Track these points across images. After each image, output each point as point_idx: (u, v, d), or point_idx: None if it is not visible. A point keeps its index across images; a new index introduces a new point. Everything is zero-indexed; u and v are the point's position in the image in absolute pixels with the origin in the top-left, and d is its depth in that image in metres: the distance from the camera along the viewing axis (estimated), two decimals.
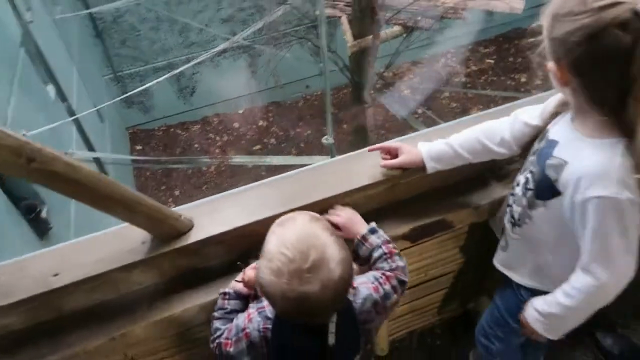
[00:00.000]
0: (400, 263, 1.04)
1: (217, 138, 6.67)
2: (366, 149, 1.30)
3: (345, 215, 1.13)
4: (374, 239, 1.07)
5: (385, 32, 3.95)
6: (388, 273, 1.02)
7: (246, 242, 1.14)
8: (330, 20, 4.98)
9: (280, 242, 0.80)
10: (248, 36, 4.89)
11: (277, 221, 0.87)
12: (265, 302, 0.96)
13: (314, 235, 0.80)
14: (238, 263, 1.08)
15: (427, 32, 4.28)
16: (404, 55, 4.68)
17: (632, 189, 0.84)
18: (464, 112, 6.12)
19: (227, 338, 0.96)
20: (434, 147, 1.15)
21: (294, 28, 5.76)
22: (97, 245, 1.12)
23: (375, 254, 1.06)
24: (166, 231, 1.11)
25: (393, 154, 1.19)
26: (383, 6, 3.98)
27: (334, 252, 0.79)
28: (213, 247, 1.15)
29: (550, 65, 0.86)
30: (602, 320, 1.67)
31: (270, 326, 0.90)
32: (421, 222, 1.25)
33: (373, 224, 1.10)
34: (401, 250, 1.26)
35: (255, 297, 1.02)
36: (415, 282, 1.49)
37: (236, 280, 1.07)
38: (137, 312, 1.11)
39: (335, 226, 1.11)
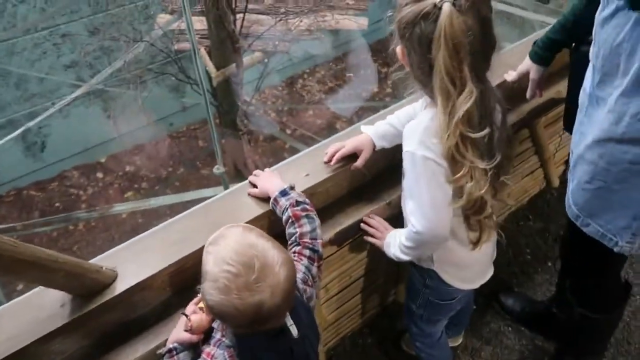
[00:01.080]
0: (306, 227, 1.07)
1: (81, 192, 6.14)
2: (269, 170, 1.32)
3: (263, 175, 1.20)
4: (283, 201, 1.11)
5: (252, 57, 4.03)
6: (297, 249, 1.05)
7: (179, 279, 1.10)
8: (187, 54, 4.92)
9: (219, 261, 0.80)
10: (101, 79, 4.63)
11: (209, 241, 0.86)
12: (218, 335, 0.93)
13: (251, 245, 0.82)
14: (181, 312, 1.03)
15: (287, 54, 4.45)
16: (268, 79, 4.78)
17: (429, 149, 1.01)
18: (330, 126, 6.40)
19: None
20: (379, 128, 1.28)
21: (147, 66, 5.58)
22: (6, 319, 0.99)
23: (284, 217, 1.09)
24: (87, 287, 1.02)
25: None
26: (241, 34, 4.05)
27: (274, 255, 0.81)
28: (143, 293, 1.08)
29: (397, 49, 1.03)
30: (501, 284, 1.88)
31: (235, 352, 0.87)
32: (342, 226, 1.31)
33: (285, 186, 1.14)
34: (329, 255, 1.31)
35: (205, 341, 0.98)
36: (341, 286, 1.54)
37: (184, 330, 1.01)
38: None
39: (254, 186, 1.20)
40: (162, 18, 4.60)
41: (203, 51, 4.26)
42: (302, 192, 1.23)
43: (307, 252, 1.05)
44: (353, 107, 6.23)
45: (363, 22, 4.44)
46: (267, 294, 0.78)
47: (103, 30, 5.65)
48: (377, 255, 1.56)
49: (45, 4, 5.77)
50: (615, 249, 1.08)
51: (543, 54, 1.39)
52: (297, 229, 1.06)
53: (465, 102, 0.94)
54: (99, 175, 6.20)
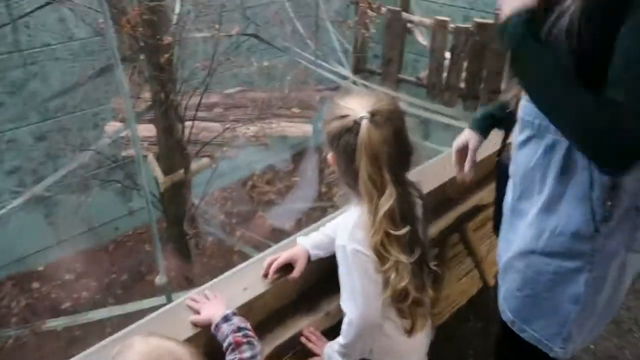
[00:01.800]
0: (247, 354, 1.06)
1: (14, 304, 5.76)
2: (207, 285, 1.33)
3: (204, 301, 1.21)
4: (224, 328, 1.10)
5: (201, 162, 4.15)
6: None
7: None
8: (133, 160, 4.98)
9: None
10: (45, 186, 4.57)
11: (113, 355, 0.86)
12: None
13: (157, 346, 0.85)
14: None
15: (235, 159, 4.59)
16: (217, 183, 4.87)
17: (359, 243, 1.13)
18: (279, 229, 6.45)
19: None
20: (313, 238, 1.37)
21: (94, 172, 5.57)
22: None
23: (225, 344, 1.09)
24: None
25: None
26: (190, 141, 4.18)
27: (181, 350, 0.85)
28: None
29: (329, 155, 1.19)
30: None
31: None
32: (281, 340, 1.32)
33: (228, 311, 1.14)
34: None
35: None
36: None
37: None
38: None
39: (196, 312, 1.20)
40: (112, 126, 4.70)
41: (151, 157, 4.34)
42: (241, 306, 1.25)
43: None
44: (301, 208, 6.36)
45: (308, 129, 4.70)
46: None
47: (50, 137, 5.67)
48: None
49: None
50: (551, 354, 1.12)
51: (481, 123, 1.44)
52: (237, 355, 1.06)
53: (386, 203, 1.09)
54: (35, 285, 5.86)
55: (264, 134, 4.53)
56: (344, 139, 1.10)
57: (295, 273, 1.32)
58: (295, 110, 4.95)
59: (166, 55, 3.36)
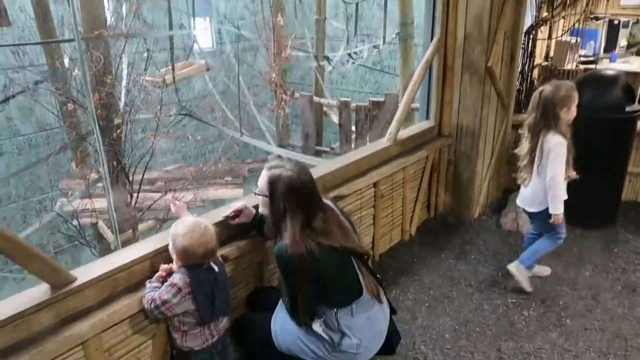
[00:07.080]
0: None
1: None
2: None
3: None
4: None
5: (147, 224, 5.01)
6: None
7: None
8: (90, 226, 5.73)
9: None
10: None
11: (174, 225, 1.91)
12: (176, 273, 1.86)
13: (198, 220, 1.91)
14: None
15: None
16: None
17: None
18: None
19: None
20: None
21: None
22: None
23: None
24: (61, 280, 1.85)
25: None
26: (135, 207, 5.09)
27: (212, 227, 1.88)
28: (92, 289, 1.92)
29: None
30: None
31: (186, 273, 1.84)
32: None
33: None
34: None
35: None
36: None
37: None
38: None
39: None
40: (62, 203, 5.48)
41: (102, 223, 5.19)
42: None
43: None
44: None
45: (238, 192, 5.73)
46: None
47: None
48: None
49: None
50: None
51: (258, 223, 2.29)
52: None
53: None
54: None
55: (200, 199, 5.51)
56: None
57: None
58: (228, 178, 6.02)
59: (118, 131, 4.38)
